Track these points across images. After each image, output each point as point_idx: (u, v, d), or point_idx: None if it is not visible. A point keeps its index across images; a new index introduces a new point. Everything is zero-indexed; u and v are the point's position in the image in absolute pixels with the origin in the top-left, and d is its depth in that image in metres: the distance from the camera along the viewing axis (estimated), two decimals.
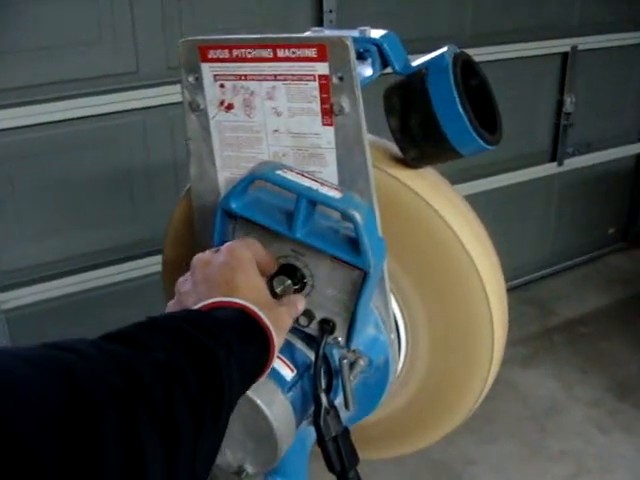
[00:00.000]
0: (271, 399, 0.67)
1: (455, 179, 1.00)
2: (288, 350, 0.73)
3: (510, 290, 0.92)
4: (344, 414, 0.73)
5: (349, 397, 0.73)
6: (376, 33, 0.75)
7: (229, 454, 0.70)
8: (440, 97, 0.72)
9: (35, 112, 1.63)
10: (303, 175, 0.68)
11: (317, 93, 0.68)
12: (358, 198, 0.68)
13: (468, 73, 0.75)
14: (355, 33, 0.74)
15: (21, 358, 0.41)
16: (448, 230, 0.77)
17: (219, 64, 0.71)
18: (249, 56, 0.69)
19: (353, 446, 0.71)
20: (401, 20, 2.06)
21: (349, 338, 0.71)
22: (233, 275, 0.61)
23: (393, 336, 0.80)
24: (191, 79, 0.73)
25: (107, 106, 1.71)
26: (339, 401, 0.75)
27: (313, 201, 0.67)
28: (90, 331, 0.49)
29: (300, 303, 0.68)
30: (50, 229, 1.78)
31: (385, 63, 0.75)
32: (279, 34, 0.68)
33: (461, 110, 0.72)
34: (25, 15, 1.56)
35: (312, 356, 0.73)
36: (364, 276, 0.67)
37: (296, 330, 0.73)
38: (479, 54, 2.07)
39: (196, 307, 0.58)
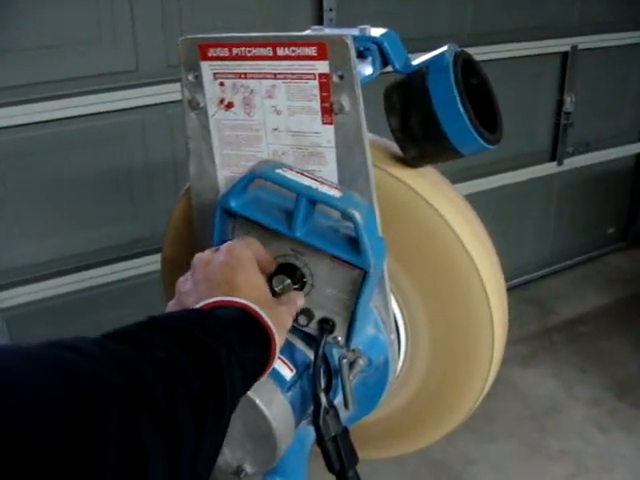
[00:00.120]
0: (270, 399, 0.67)
1: (455, 178, 1.00)
2: (287, 349, 0.73)
3: (510, 289, 0.92)
4: (343, 414, 0.73)
5: (348, 397, 0.72)
6: (376, 32, 0.75)
7: (228, 454, 0.70)
8: (440, 96, 0.72)
9: (34, 110, 1.63)
10: (303, 174, 0.68)
11: (317, 92, 0.68)
12: (358, 197, 0.68)
13: (468, 72, 0.75)
14: (355, 32, 0.74)
15: (22, 356, 0.40)
16: (448, 230, 0.77)
17: (219, 62, 0.71)
18: (249, 54, 0.69)
19: (352, 446, 0.71)
20: (401, 19, 2.06)
21: (349, 337, 0.71)
22: (233, 274, 0.61)
23: (393, 336, 0.79)
24: (191, 77, 0.73)
25: (106, 104, 1.71)
26: (338, 401, 0.74)
27: (313, 200, 0.66)
28: (86, 331, 0.49)
29: (299, 299, 0.69)
30: (49, 228, 1.78)
31: (385, 62, 0.75)
32: (279, 32, 0.68)
33: (461, 109, 0.71)
34: (25, 15, 1.56)
35: (311, 356, 0.73)
36: (364, 275, 0.67)
37: (296, 329, 0.73)
38: (479, 53, 2.06)
39: (197, 306, 0.58)
